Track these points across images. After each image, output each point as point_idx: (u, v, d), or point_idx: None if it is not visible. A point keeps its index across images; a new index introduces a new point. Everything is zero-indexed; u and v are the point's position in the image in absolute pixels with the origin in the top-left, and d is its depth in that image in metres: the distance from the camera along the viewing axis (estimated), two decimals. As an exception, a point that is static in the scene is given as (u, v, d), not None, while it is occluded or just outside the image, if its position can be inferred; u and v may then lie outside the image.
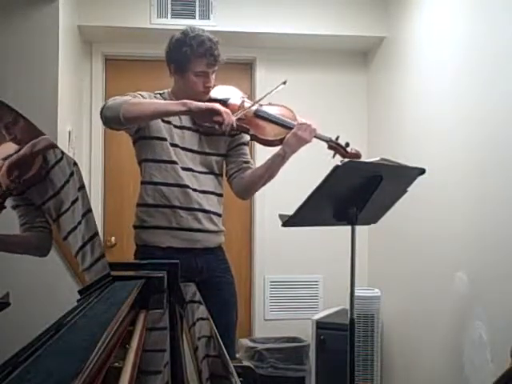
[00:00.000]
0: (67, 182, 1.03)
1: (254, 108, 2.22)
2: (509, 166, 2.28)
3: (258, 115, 2.22)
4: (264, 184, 2.27)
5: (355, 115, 3.90)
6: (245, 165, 2.27)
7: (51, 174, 0.96)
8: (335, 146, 2.24)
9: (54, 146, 1.00)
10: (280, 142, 2.21)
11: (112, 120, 2.03)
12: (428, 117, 3.01)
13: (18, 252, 0.73)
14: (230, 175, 2.27)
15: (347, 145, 2.25)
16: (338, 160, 2.20)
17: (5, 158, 0.76)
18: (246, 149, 2.30)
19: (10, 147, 0.80)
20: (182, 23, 3.20)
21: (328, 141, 2.24)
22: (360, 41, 3.71)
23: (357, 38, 3.67)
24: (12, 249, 0.71)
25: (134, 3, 3.46)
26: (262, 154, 3.16)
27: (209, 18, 3.51)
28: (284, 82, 2.26)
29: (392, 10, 3.54)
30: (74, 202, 1.04)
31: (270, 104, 2.29)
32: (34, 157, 0.89)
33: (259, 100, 2.27)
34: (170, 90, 2.27)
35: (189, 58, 2.14)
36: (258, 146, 3.57)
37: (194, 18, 3.49)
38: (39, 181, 0.89)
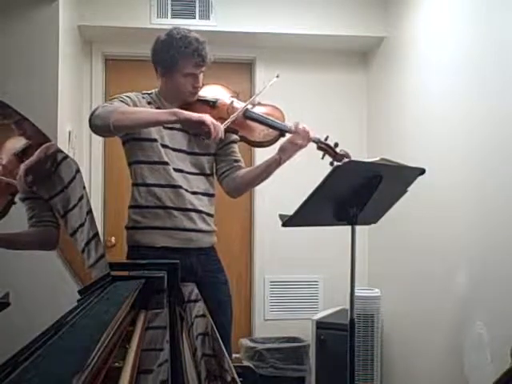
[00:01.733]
0: (73, 179, 1.04)
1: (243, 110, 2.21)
2: (509, 165, 2.28)
3: (247, 116, 2.20)
4: (256, 186, 2.30)
5: (355, 115, 3.90)
6: (235, 163, 2.27)
7: (58, 170, 0.97)
8: (324, 147, 2.20)
9: (62, 152, 1.01)
10: (269, 143, 2.21)
11: (101, 129, 2.02)
12: (428, 117, 3.01)
13: (25, 249, 0.74)
14: (221, 174, 2.27)
15: (336, 145, 2.21)
16: (328, 161, 2.19)
17: (15, 154, 0.77)
18: (236, 147, 2.30)
19: (18, 142, 0.81)
20: (182, 23, 3.19)
21: (317, 142, 2.20)
22: (360, 41, 3.71)
23: (357, 38, 3.67)
24: (19, 247, 0.72)
25: (134, 3, 3.46)
26: (261, 152, 3.16)
27: (209, 18, 3.51)
28: (277, 76, 2.25)
29: (392, 10, 3.54)
30: (79, 200, 1.05)
31: (259, 104, 2.27)
32: (46, 161, 0.90)
33: (249, 102, 2.24)
34: (157, 90, 2.26)
35: (176, 59, 2.12)
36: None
37: (194, 17, 3.49)
38: (46, 176, 0.90)
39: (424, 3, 3.11)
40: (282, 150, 2.16)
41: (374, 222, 2.37)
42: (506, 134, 2.30)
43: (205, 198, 2.22)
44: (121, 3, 3.45)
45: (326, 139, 2.21)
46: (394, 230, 3.31)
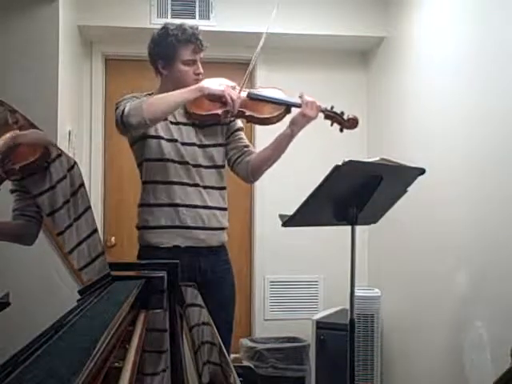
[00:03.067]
0: (65, 178, 1.04)
1: (247, 91, 2.24)
2: (509, 165, 2.28)
3: (251, 97, 2.24)
4: (272, 165, 2.28)
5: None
6: (246, 149, 2.28)
7: (50, 168, 0.97)
8: (332, 115, 2.24)
9: (51, 145, 1.01)
10: (277, 118, 2.23)
11: (137, 125, 2.04)
12: (428, 117, 3.01)
13: (1, 240, 0.73)
14: (234, 161, 2.28)
15: (342, 113, 2.26)
16: (337, 128, 2.25)
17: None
18: (243, 134, 2.33)
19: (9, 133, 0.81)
20: (182, 23, 3.20)
21: (323, 111, 2.24)
22: (360, 41, 3.71)
23: (357, 38, 3.67)
24: None
25: (133, 3, 3.46)
26: (261, 138, 3.15)
27: (209, 18, 3.51)
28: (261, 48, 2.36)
29: (392, 10, 3.54)
30: (71, 200, 1.04)
31: (260, 87, 2.35)
32: (17, 148, 0.89)
33: (247, 74, 2.28)
34: (156, 90, 2.26)
35: (175, 46, 2.16)
36: (258, 130, 3.57)
37: (194, 17, 3.49)
38: (37, 171, 0.90)
39: (424, 3, 3.11)
40: (293, 122, 2.19)
41: (374, 222, 2.37)
42: (506, 134, 2.30)
43: (216, 192, 2.22)
44: (121, 3, 3.44)
45: (331, 108, 2.25)
46: (393, 230, 3.31)
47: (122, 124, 2.05)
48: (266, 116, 2.23)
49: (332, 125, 2.26)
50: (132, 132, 2.12)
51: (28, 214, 0.82)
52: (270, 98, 2.24)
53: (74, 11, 3.26)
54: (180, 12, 3.49)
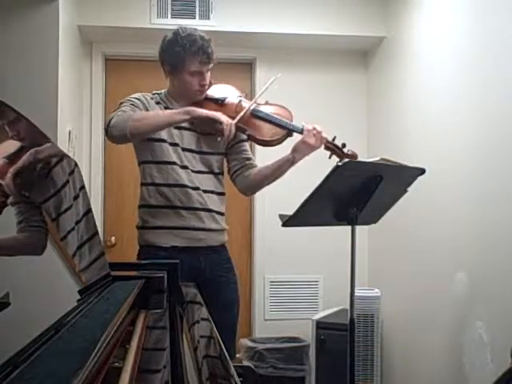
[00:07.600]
0: (67, 181, 1.04)
1: (252, 107, 2.22)
2: (509, 165, 2.28)
3: (256, 115, 2.22)
4: (270, 184, 2.29)
5: (355, 115, 3.90)
6: (247, 162, 2.28)
7: (52, 173, 0.97)
8: (332, 147, 2.22)
9: (59, 154, 1.00)
10: (276, 142, 2.21)
11: (119, 138, 2.08)
12: (428, 117, 3.01)
13: (12, 254, 0.73)
14: (234, 172, 2.28)
15: (343, 145, 2.23)
16: (335, 161, 2.19)
17: (7, 157, 0.76)
18: (246, 145, 2.31)
19: (11, 145, 0.80)
20: (182, 23, 3.19)
21: (324, 141, 2.21)
22: (360, 41, 3.71)
23: (357, 38, 3.67)
24: (5, 252, 0.71)
25: (133, 3, 3.46)
26: (261, 154, 3.16)
27: (209, 18, 3.51)
28: (276, 77, 2.27)
29: (392, 10, 3.54)
30: (74, 203, 1.04)
31: (267, 103, 2.29)
32: (37, 164, 0.89)
33: (257, 98, 2.27)
34: (166, 90, 2.27)
35: (182, 57, 2.14)
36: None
37: (194, 18, 3.49)
38: (40, 179, 0.89)
39: (424, 3, 3.11)
40: (295, 150, 2.17)
41: (374, 222, 2.37)
42: (506, 134, 2.30)
43: (215, 197, 2.23)
44: (121, 3, 3.45)
45: (333, 139, 2.22)
46: (393, 230, 3.31)
47: (106, 133, 2.11)
48: (266, 139, 2.21)
49: (330, 157, 2.23)
50: (115, 142, 2.15)
51: (35, 224, 0.81)
52: (274, 120, 2.21)
53: (74, 11, 3.27)
54: (180, 12, 3.49)
